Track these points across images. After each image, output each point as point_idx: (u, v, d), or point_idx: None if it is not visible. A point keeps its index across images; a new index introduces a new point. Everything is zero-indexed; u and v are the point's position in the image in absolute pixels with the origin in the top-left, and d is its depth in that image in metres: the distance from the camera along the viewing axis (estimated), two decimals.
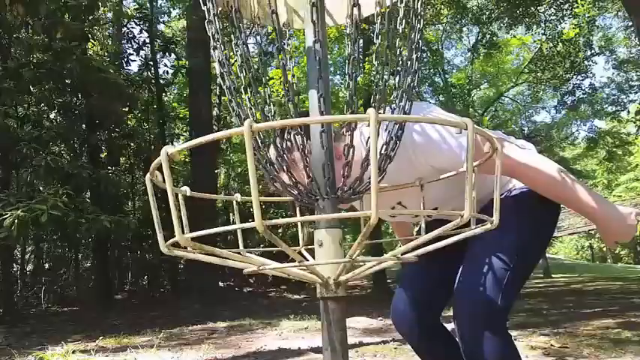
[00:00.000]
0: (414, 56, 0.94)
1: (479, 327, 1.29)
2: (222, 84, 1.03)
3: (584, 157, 26.42)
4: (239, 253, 0.90)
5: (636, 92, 18.81)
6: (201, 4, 1.05)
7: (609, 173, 32.37)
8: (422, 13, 0.96)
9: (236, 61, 1.06)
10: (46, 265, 10.55)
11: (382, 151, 0.94)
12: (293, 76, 1.03)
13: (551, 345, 3.84)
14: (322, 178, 0.93)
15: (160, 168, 0.89)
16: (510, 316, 5.62)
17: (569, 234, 33.41)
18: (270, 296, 10.88)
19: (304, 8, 1.05)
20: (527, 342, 4.02)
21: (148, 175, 0.90)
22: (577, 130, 22.98)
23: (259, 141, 1.00)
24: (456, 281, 1.37)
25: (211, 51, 1.04)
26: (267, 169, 0.98)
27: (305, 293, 11.50)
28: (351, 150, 0.93)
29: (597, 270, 29.28)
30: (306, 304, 8.67)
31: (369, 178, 0.93)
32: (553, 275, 22.00)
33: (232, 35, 1.08)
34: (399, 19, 0.99)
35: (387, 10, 0.97)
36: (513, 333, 4.51)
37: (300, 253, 1.12)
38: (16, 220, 5.78)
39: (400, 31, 0.98)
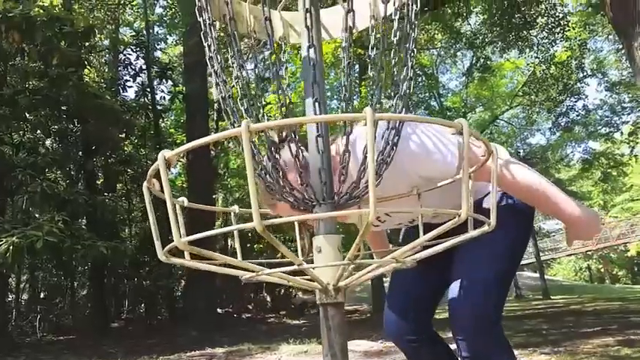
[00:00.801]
0: (409, 63, 0.96)
1: (482, 342, 1.34)
2: (218, 93, 1.03)
3: (580, 178, 26.53)
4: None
5: (629, 114, 19.02)
6: (197, 15, 1.07)
7: (605, 194, 32.46)
8: (415, 22, 0.97)
9: (232, 70, 1.07)
10: (42, 295, 10.44)
11: (377, 158, 0.94)
12: (288, 85, 1.04)
13: None
14: (319, 184, 0.93)
15: (157, 175, 0.89)
16: (510, 336, 5.58)
17: (567, 255, 33.45)
18: (269, 322, 10.76)
19: (300, 21, 1.07)
20: None
21: (145, 183, 0.91)
22: (572, 152, 23.14)
23: (254, 149, 1.00)
24: (453, 295, 1.37)
25: (207, 59, 1.05)
26: (263, 176, 0.98)
27: (304, 319, 11.38)
28: (347, 155, 0.93)
29: (596, 291, 29.13)
30: (306, 329, 8.57)
31: (366, 183, 0.94)
32: (552, 297, 21.84)
33: (229, 47, 1.09)
34: (393, 30, 1.01)
35: (382, 21, 0.98)
36: (514, 352, 4.49)
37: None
38: (11, 247, 5.74)
39: (395, 41, 1.00)
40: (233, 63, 1.06)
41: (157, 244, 0.88)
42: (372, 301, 11.68)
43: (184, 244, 0.75)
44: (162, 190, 0.86)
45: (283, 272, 0.88)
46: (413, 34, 0.98)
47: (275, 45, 1.06)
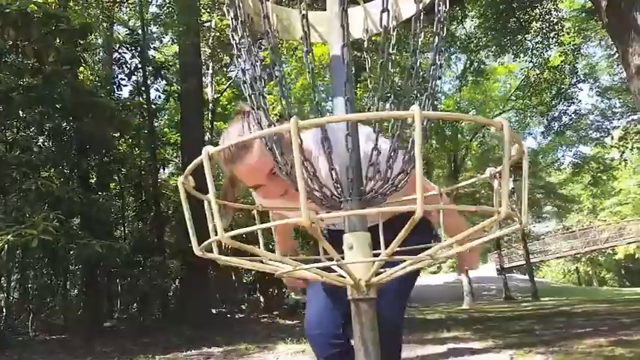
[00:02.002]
0: (439, 62, 0.98)
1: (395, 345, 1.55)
2: (246, 91, 1.03)
3: (570, 182, 26.78)
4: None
5: (619, 119, 19.25)
6: (226, 14, 1.08)
7: (594, 198, 32.81)
8: (444, 21, 0.99)
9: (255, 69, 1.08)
10: (32, 293, 10.35)
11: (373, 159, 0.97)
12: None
13: None
14: (346, 181, 0.95)
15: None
16: (503, 336, 5.62)
17: (556, 258, 33.71)
18: (263, 322, 10.74)
19: (326, 21, 1.08)
20: None
21: (180, 178, 0.92)
22: (563, 156, 23.34)
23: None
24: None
25: (235, 59, 1.06)
26: (290, 173, 0.99)
27: (297, 319, 11.37)
28: (377, 153, 0.95)
29: (584, 293, 29.40)
30: (299, 329, 8.56)
31: (394, 179, 0.96)
32: (541, 298, 22.00)
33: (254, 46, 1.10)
34: (415, 30, 1.02)
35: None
36: (509, 352, 4.55)
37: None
38: (6, 246, 5.69)
39: (419, 42, 1.02)
40: (264, 61, 1.07)
41: (193, 239, 0.89)
42: None
43: (228, 239, 0.76)
44: (190, 192, 0.86)
45: (318, 268, 0.89)
46: (442, 34, 0.99)
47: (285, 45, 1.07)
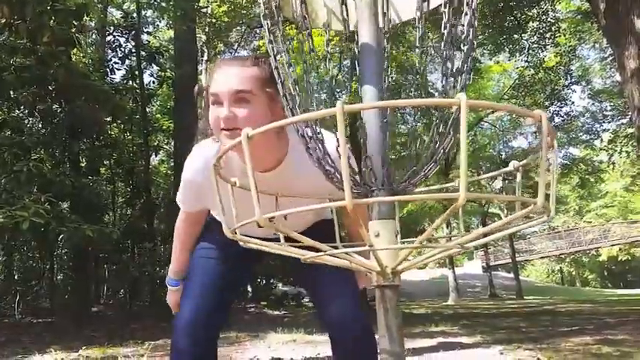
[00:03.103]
0: (472, 54, 0.98)
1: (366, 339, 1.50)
2: (280, 78, 1.02)
3: (558, 182, 26.96)
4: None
5: (609, 122, 19.44)
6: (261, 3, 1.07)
7: (581, 199, 33.13)
8: (476, 14, 1.00)
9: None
10: (18, 276, 10.28)
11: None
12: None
13: (538, 358, 3.89)
14: (380, 169, 0.95)
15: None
16: (491, 332, 5.66)
17: (541, 257, 34.10)
18: (250, 312, 10.76)
19: (360, 7, 1.07)
20: (513, 356, 4.07)
21: (213, 161, 0.91)
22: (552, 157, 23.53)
23: (315, 133, 1.00)
24: (333, 303, 1.51)
25: (267, 45, 1.05)
26: (322, 160, 0.99)
27: (285, 309, 11.41)
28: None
29: (567, 293, 29.83)
30: (288, 320, 8.60)
31: (426, 168, 0.96)
32: (525, 297, 22.27)
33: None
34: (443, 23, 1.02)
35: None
36: (499, 347, 4.60)
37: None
38: None
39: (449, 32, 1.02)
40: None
41: (224, 220, 0.89)
42: None
43: (265, 221, 0.76)
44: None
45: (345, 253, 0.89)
46: (475, 24, 1.00)
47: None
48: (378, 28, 1.00)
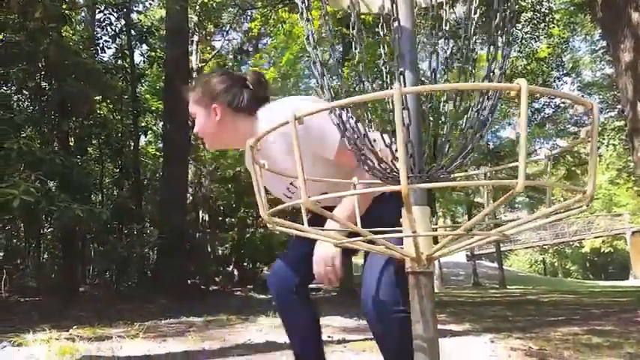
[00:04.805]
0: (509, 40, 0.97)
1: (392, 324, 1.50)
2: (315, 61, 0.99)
3: (544, 173, 27.22)
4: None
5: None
6: None
7: (566, 191, 33.47)
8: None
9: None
10: (3, 255, 10.15)
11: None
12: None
13: (530, 347, 3.94)
14: (418, 155, 0.94)
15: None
16: (479, 321, 5.72)
17: (525, 247, 34.55)
18: (237, 295, 10.78)
19: None
20: (504, 344, 4.12)
21: (249, 141, 0.90)
22: (540, 147, 23.73)
23: (352, 119, 0.99)
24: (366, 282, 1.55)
25: (303, 24, 1.02)
26: (359, 146, 0.97)
27: (270, 294, 11.43)
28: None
29: (549, 283, 30.29)
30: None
31: (465, 155, 0.96)
32: (508, 286, 22.58)
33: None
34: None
35: None
36: (489, 336, 4.65)
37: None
38: None
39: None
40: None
41: (261, 203, 0.87)
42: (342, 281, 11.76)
43: (312, 204, 0.75)
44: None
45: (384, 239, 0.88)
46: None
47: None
48: (413, 11, 0.98)
